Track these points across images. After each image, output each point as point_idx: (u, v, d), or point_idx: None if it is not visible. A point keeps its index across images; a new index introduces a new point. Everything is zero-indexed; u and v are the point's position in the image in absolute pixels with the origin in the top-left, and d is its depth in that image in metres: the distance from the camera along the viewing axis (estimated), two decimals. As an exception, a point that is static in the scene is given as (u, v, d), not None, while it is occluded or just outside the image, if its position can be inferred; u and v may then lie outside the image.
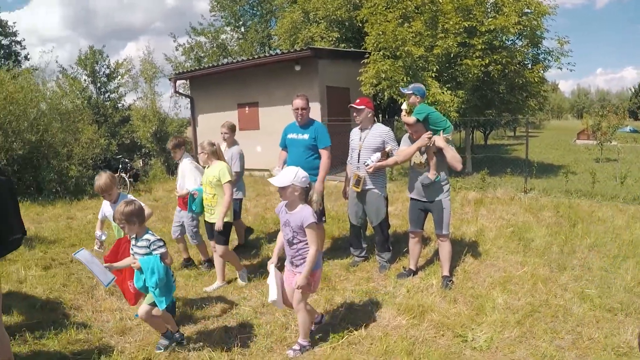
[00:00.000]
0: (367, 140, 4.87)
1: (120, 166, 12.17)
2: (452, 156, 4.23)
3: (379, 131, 4.88)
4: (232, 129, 5.92)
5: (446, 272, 4.57)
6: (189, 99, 15.50)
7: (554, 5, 11.14)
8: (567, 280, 4.48)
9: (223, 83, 13.75)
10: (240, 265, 5.01)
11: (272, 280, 3.28)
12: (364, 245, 5.39)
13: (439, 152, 4.28)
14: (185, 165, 5.21)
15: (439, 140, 4.24)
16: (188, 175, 5.15)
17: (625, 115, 22.45)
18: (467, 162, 12.09)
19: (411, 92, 4.43)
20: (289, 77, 11.95)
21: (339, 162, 12.32)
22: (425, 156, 4.39)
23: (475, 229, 6.32)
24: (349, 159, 5.16)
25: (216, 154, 4.63)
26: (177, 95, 17.03)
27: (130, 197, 3.79)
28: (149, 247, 3.12)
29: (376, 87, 10.68)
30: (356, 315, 3.90)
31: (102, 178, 3.84)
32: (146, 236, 3.16)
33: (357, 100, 4.97)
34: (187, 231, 5.29)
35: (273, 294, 3.25)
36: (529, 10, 10.76)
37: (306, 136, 5.03)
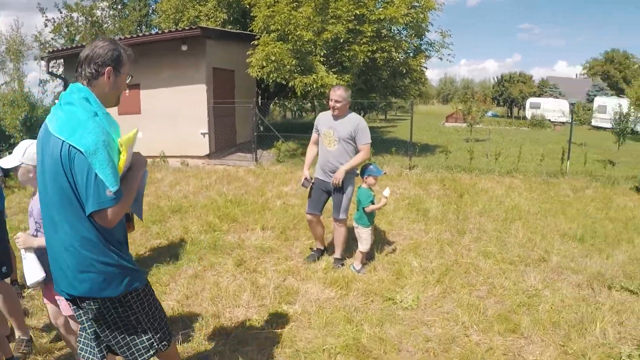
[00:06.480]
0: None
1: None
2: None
3: None
4: None
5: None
6: (62, 81, 13.57)
7: (441, 3, 12.15)
8: (469, 242, 5.01)
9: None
10: None
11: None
12: None
13: None
14: None
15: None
16: None
17: (492, 101, 25.59)
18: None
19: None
20: (174, 58, 11.16)
21: (225, 144, 11.93)
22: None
23: (373, 203, 6.61)
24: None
25: None
26: (50, 76, 14.71)
27: None
28: None
29: (263, 69, 10.51)
30: (285, 293, 3.83)
31: None
32: None
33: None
34: None
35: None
36: (417, 4, 11.54)
37: None
